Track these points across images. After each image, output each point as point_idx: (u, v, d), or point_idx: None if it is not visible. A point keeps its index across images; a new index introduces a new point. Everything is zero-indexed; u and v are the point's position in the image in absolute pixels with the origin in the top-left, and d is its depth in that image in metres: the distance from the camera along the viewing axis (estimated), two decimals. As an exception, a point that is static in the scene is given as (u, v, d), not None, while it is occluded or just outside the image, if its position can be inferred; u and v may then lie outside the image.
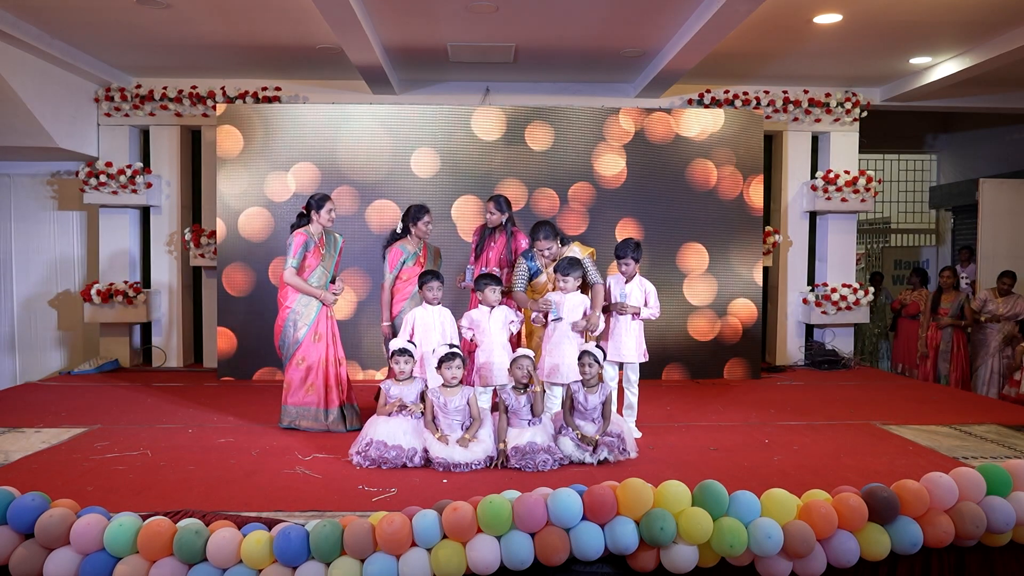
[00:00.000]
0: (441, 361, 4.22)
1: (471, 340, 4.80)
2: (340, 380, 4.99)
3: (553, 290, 4.82)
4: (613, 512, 2.94)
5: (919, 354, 7.87)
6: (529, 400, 4.19)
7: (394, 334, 5.02)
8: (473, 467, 4.03)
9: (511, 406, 4.19)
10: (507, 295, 5.02)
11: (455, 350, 4.28)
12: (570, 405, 4.28)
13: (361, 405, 5.17)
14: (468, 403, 4.21)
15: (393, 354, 4.33)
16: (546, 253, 4.89)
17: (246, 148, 6.87)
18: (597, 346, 4.38)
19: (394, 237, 5.23)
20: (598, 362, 4.26)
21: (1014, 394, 6.77)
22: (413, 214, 5.18)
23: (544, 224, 4.91)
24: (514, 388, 4.24)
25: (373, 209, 6.89)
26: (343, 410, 4.97)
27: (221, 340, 6.94)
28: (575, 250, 4.99)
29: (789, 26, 6.09)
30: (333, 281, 5.08)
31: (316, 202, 4.97)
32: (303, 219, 5.03)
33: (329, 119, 6.93)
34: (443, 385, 4.24)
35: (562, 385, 4.50)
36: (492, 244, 5.41)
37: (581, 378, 4.29)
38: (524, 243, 5.27)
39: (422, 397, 4.31)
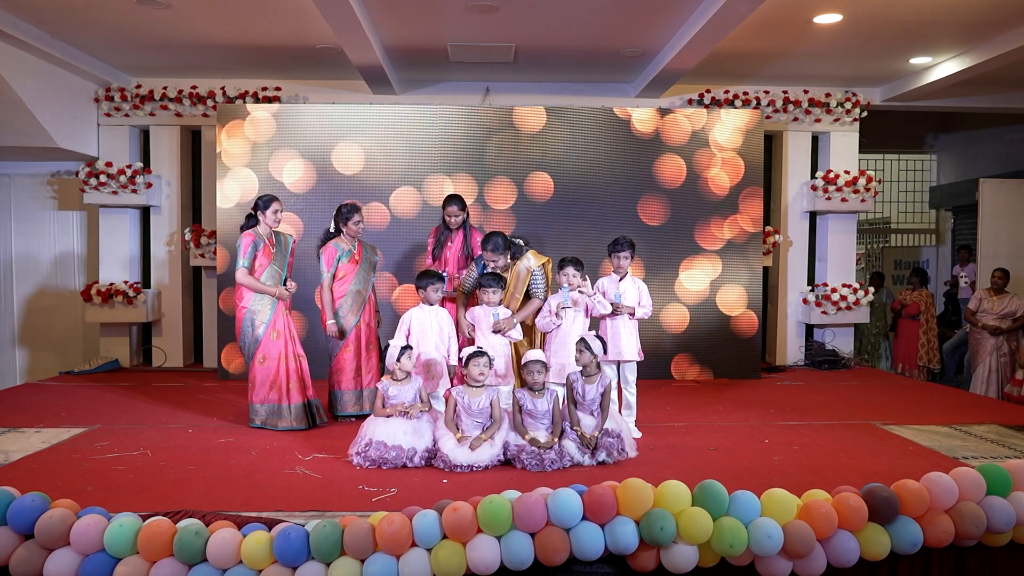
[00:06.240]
0: (468, 359, 4.21)
1: (468, 335, 4.83)
2: (301, 375, 5.02)
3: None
4: (613, 512, 2.94)
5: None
6: (549, 403, 4.19)
7: (340, 333, 5.09)
8: (475, 468, 4.02)
9: (526, 407, 4.19)
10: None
11: (483, 349, 4.30)
12: (571, 397, 4.30)
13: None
14: (491, 404, 4.20)
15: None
16: (491, 267, 4.92)
17: (246, 148, 6.87)
18: (597, 337, 4.38)
19: (328, 236, 5.26)
20: (589, 349, 4.26)
21: (1016, 393, 6.76)
22: (344, 214, 5.19)
23: (493, 236, 4.91)
24: (529, 390, 4.23)
25: (370, 210, 6.84)
26: (306, 406, 5.00)
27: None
28: (530, 259, 5.00)
29: (789, 26, 6.09)
30: (285, 282, 5.08)
31: (263, 203, 5.00)
32: (251, 220, 5.06)
33: (328, 119, 6.91)
34: (468, 385, 4.22)
35: (564, 385, 4.50)
36: (449, 244, 5.48)
37: (578, 367, 4.31)
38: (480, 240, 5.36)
39: (422, 397, 4.32)
